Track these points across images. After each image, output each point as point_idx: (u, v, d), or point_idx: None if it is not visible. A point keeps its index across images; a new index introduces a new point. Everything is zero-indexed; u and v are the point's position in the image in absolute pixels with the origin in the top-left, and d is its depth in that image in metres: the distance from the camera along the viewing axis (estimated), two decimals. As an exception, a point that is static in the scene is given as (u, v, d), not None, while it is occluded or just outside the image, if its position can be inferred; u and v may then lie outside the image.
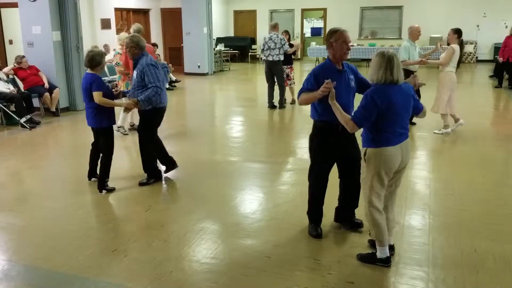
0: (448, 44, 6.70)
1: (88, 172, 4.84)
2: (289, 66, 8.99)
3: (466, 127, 6.74)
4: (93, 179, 4.82)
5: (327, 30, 18.82)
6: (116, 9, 13.10)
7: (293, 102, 9.26)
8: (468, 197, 4.29)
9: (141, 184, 4.71)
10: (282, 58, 8.62)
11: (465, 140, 6.27)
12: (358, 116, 2.92)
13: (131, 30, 6.46)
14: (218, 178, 4.97)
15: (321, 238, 3.50)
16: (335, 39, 3.24)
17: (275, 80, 8.81)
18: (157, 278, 2.99)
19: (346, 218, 3.66)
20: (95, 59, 4.32)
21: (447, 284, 2.89)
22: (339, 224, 3.71)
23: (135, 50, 4.49)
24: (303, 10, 18.29)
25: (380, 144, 2.92)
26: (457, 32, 6.53)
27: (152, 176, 4.80)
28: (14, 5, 8.87)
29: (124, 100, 6.19)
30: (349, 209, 3.65)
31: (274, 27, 8.73)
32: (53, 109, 8.21)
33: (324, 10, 17.98)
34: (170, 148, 6.19)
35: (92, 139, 4.77)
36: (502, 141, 6.36)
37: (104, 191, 4.54)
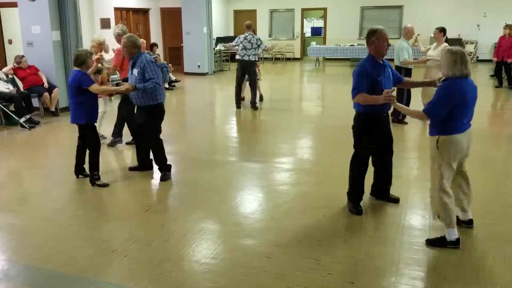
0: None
1: (75, 168, 4.92)
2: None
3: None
4: (80, 176, 4.91)
5: (327, 30, 18.73)
6: (116, 9, 13.08)
7: (261, 98, 9.38)
8: (468, 197, 4.29)
9: (163, 179, 4.80)
10: (257, 58, 8.70)
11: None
12: (430, 109, 3.23)
13: (116, 31, 6.01)
14: (218, 178, 4.97)
15: (361, 214, 3.89)
16: (377, 37, 3.60)
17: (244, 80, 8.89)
18: (157, 278, 2.98)
19: (382, 196, 4.17)
20: (79, 58, 4.51)
21: (447, 284, 2.89)
22: (340, 224, 3.71)
23: (133, 49, 4.61)
24: (303, 10, 18.28)
25: (450, 132, 3.22)
26: (443, 30, 6.84)
27: (168, 169, 4.88)
28: (14, 5, 8.86)
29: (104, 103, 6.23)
30: (384, 190, 4.14)
31: (249, 27, 8.74)
32: (53, 109, 8.21)
33: (324, 9, 17.97)
34: (170, 148, 6.20)
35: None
36: (502, 141, 6.36)
37: (96, 185, 4.67)
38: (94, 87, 4.51)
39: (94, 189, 4.64)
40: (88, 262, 3.20)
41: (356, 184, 3.96)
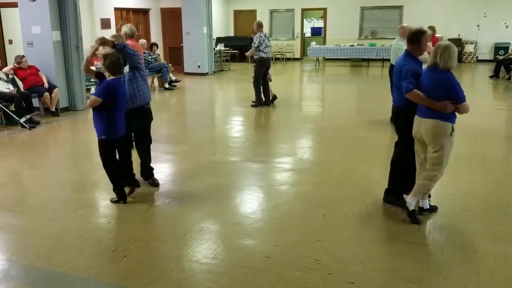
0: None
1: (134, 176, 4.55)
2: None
3: (466, 127, 6.73)
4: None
5: (327, 30, 18.72)
6: (116, 9, 13.09)
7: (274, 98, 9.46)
8: (468, 197, 4.29)
9: (155, 185, 4.65)
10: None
11: (465, 140, 6.27)
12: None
13: (123, 32, 6.09)
14: (218, 178, 4.97)
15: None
16: (425, 38, 3.77)
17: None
18: (157, 278, 2.98)
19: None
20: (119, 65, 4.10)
21: (447, 284, 2.89)
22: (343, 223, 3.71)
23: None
24: (303, 10, 18.28)
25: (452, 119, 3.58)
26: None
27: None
28: (14, 5, 8.87)
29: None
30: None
31: (262, 26, 8.95)
32: (53, 109, 8.20)
33: (324, 10, 17.97)
34: (170, 148, 6.21)
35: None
36: (502, 140, 6.36)
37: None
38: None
39: (93, 189, 4.63)
40: (88, 262, 3.20)
41: (410, 176, 3.95)
